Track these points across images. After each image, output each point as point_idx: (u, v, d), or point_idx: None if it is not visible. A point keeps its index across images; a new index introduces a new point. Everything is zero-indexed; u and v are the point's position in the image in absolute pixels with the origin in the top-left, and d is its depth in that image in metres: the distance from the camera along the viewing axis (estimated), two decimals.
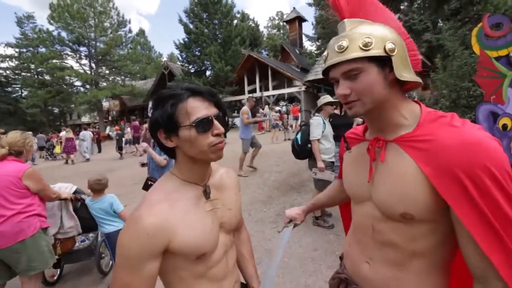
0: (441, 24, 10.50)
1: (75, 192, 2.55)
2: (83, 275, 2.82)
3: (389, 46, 0.65)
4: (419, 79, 0.71)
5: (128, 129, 12.56)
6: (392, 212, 0.69)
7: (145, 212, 0.69)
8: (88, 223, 2.54)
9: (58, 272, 2.72)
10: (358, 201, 0.82)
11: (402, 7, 14.19)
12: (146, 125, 12.74)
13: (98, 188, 2.40)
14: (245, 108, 5.67)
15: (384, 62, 0.66)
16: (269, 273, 0.90)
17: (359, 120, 3.37)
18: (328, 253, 2.75)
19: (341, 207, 1.22)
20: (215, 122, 0.71)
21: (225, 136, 0.74)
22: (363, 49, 0.64)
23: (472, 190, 0.57)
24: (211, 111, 0.72)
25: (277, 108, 13.86)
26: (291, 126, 12.12)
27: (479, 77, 3.80)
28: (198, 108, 0.70)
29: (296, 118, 12.89)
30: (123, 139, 11.64)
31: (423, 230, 0.66)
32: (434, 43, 11.83)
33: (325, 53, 0.74)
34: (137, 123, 12.13)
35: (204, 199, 0.78)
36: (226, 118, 0.77)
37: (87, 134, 11.72)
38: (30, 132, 9.90)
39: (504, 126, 3.72)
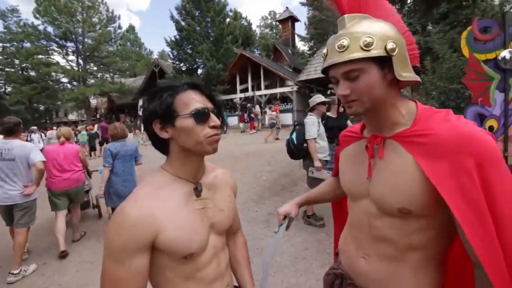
0: (430, 28, 10.73)
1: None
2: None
3: (389, 46, 0.63)
4: (417, 78, 0.70)
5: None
6: (389, 207, 0.69)
7: (129, 204, 0.67)
8: None
9: None
10: (355, 198, 0.82)
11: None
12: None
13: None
14: None
15: (384, 62, 0.65)
16: (264, 279, 0.88)
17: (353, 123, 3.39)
18: (320, 252, 2.75)
19: (333, 204, 1.21)
20: (212, 115, 0.73)
21: (222, 131, 0.75)
22: (364, 49, 0.63)
23: (465, 181, 0.57)
24: (208, 104, 0.75)
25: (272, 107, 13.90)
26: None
27: (467, 80, 3.88)
28: (197, 100, 0.72)
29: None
30: (96, 139, 11.46)
31: (419, 224, 0.67)
32: (422, 46, 12.08)
33: (324, 51, 0.73)
34: (105, 124, 11.88)
35: (194, 197, 0.76)
36: (221, 113, 0.80)
37: (54, 133, 11.51)
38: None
39: (491, 128, 3.81)
